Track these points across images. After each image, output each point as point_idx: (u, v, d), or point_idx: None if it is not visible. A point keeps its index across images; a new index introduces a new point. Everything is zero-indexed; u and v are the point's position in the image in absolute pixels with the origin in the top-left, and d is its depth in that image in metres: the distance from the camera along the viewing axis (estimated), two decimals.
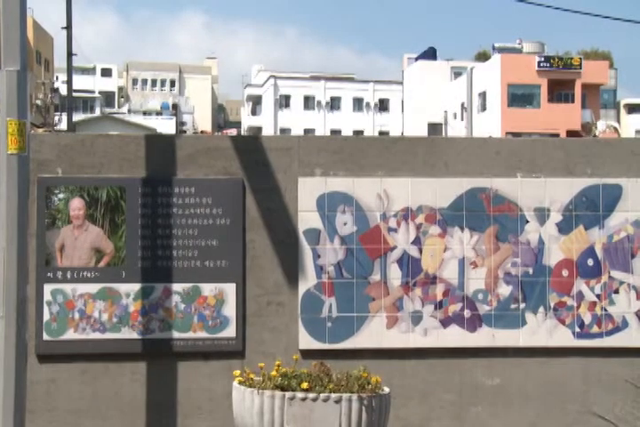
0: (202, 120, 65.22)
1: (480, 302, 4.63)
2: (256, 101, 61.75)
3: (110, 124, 42.60)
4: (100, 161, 4.51)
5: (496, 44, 46.89)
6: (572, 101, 42.91)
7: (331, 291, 4.56)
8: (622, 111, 54.06)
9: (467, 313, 4.61)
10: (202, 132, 53.21)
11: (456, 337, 4.60)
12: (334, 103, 59.34)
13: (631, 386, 4.68)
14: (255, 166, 4.61)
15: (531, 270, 4.66)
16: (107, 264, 4.43)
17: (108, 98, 65.38)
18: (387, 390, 3.81)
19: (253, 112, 62.16)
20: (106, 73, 67.85)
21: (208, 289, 4.49)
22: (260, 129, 57.49)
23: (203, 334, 4.48)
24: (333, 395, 3.57)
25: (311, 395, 3.56)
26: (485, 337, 4.61)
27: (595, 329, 4.67)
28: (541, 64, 42.35)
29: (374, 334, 4.56)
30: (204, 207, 4.53)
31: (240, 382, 3.77)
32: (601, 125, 41.07)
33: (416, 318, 4.59)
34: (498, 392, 4.66)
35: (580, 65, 42.80)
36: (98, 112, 56.52)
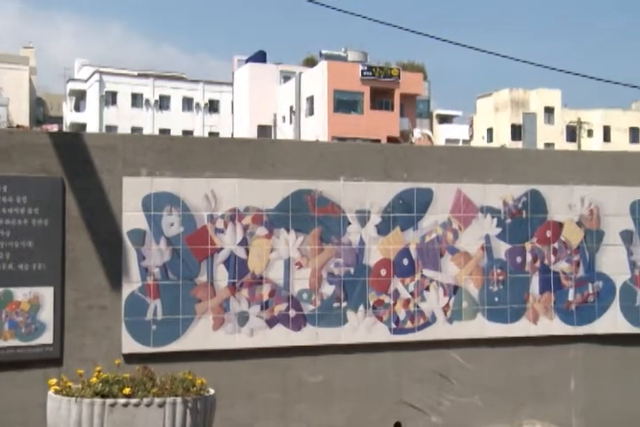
0: (18, 114, 60.72)
1: (305, 302, 4.76)
2: (80, 97, 58.75)
3: None
4: None
5: (323, 51, 48.45)
6: (392, 109, 45.45)
7: (156, 293, 4.47)
8: (435, 121, 58.29)
9: (292, 313, 4.73)
10: (18, 126, 49.47)
11: (281, 337, 4.70)
12: (163, 102, 57.97)
13: (438, 376, 5.07)
14: (76, 165, 4.40)
15: (352, 270, 4.87)
16: None
17: None
18: (212, 391, 3.80)
19: (77, 108, 59.07)
20: None
21: (21, 294, 4.22)
22: (84, 126, 54.77)
23: (15, 342, 4.19)
24: (157, 399, 3.50)
25: (133, 400, 3.47)
26: (309, 336, 4.75)
27: (408, 324, 4.99)
28: (364, 73, 44.43)
29: (201, 335, 4.53)
30: (18, 207, 4.26)
31: (56, 391, 3.58)
32: (417, 133, 43.82)
33: (242, 319, 4.63)
34: (320, 389, 4.83)
35: (399, 75, 45.46)
36: None
